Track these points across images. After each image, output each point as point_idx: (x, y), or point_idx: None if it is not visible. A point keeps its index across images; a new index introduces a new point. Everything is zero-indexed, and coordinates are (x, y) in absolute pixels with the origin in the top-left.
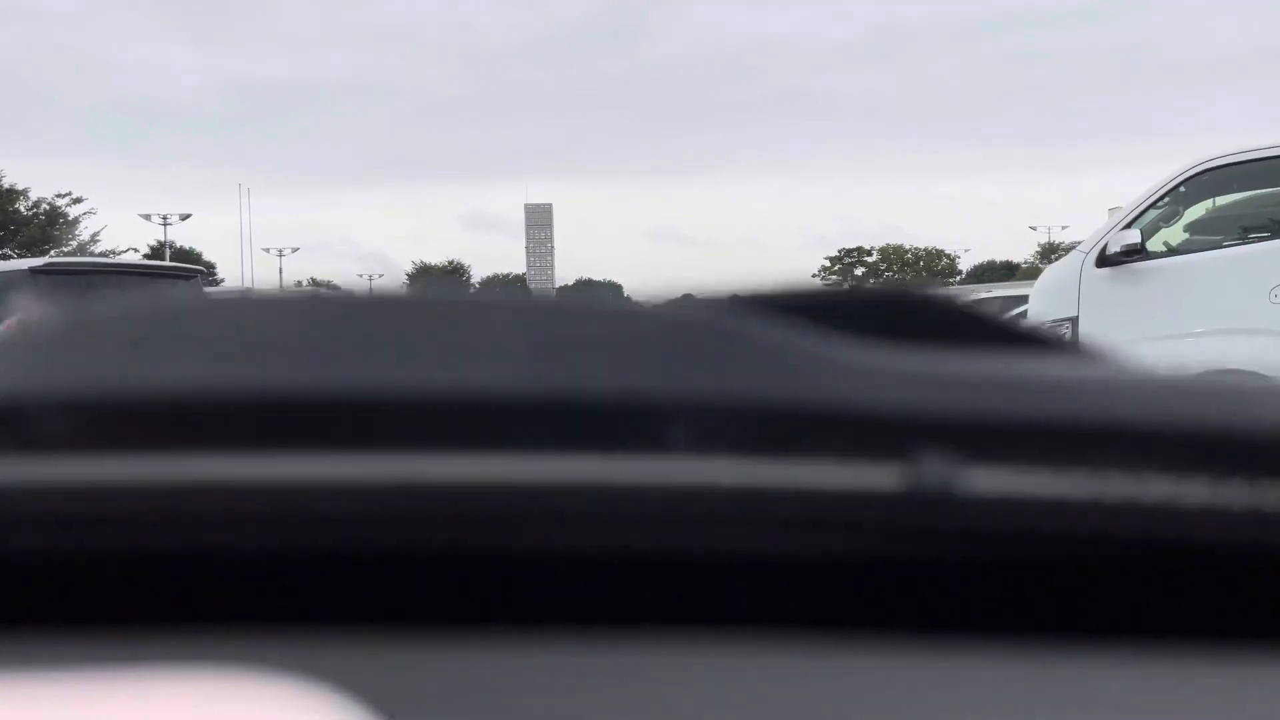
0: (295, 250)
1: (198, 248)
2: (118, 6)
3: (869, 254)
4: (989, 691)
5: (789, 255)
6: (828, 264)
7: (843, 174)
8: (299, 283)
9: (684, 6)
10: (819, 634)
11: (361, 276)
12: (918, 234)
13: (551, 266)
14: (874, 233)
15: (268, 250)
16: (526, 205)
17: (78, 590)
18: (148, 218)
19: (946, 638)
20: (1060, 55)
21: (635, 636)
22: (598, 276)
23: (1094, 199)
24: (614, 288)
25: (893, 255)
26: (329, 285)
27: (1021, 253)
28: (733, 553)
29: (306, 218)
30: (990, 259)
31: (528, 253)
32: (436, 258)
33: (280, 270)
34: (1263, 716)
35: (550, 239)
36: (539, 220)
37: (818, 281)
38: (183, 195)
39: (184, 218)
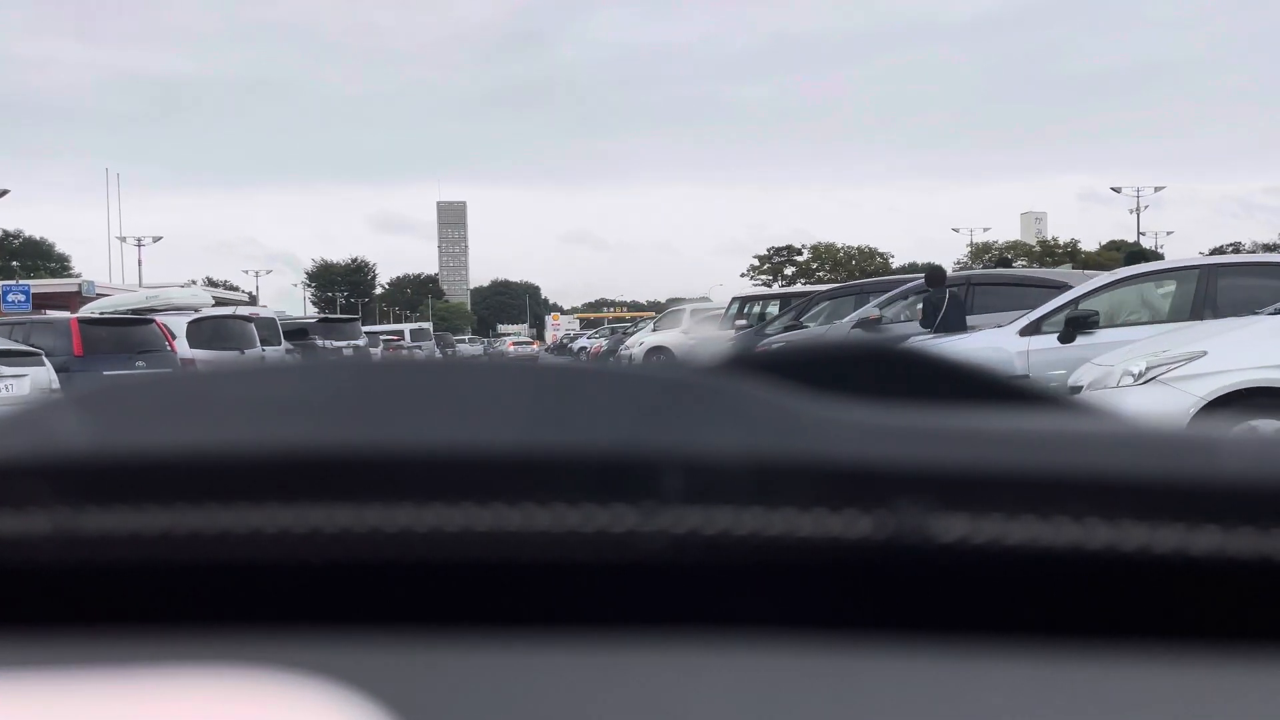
0: (157, 240)
1: (51, 239)
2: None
3: (799, 253)
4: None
5: (703, 259)
6: (756, 264)
7: (749, 181)
8: (193, 281)
9: (587, 14)
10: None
11: (248, 273)
12: (827, 239)
13: (466, 267)
14: (784, 237)
15: (123, 239)
16: (439, 203)
17: (79, 590)
18: None
19: (928, 685)
20: (954, 68)
21: (635, 640)
22: (513, 278)
23: (997, 204)
24: (530, 289)
25: (824, 254)
26: (225, 285)
27: (939, 254)
28: (723, 590)
29: (207, 216)
30: (912, 261)
31: (440, 252)
32: (341, 257)
33: (140, 262)
34: None
35: (464, 239)
36: (452, 219)
37: (746, 282)
38: (68, 191)
39: (0, 194)
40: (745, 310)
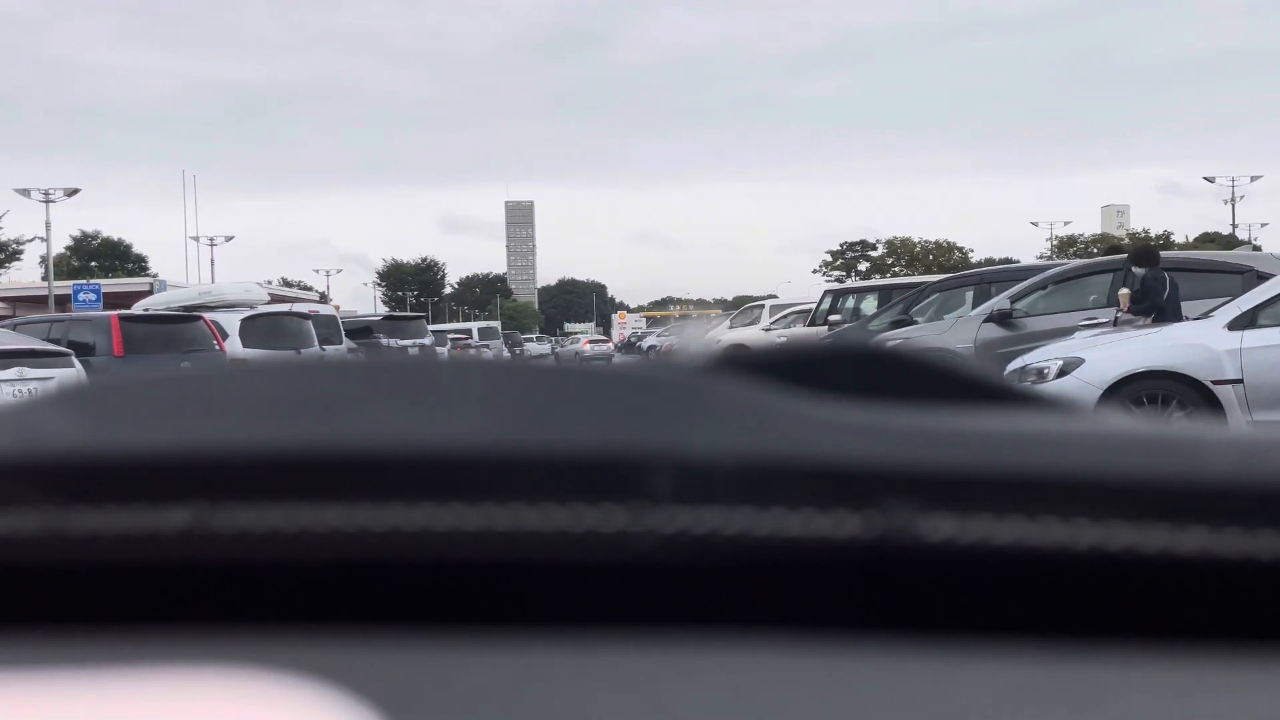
0: (229, 239)
1: (129, 240)
2: (85, 12)
3: (874, 248)
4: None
5: (768, 257)
6: (829, 259)
7: (813, 177)
8: (269, 281)
9: (645, 13)
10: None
11: (319, 273)
12: (895, 234)
13: (534, 266)
14: (851, 234)
15: (197, 239)
16: (507, 202)
17: (67, 591)
18: (26, 193)
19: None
20: (1020, 60)
21: (624, 640)
22: (580, 277)
23: (1073, 198)
24: (597, 288)
25: (900, 249)
26: (299, 284)
27: (1018, 249)
28: (713, 590)
29: (280, 218)
30: (989, 256)
31: (508, 251)
32: (411, 257)
33: (212, 261)
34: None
35: (532, 238)
36: (520, 219)
37: (819, 279)
38: (147, 194)
39: (70, 193)
40: (838, 305)
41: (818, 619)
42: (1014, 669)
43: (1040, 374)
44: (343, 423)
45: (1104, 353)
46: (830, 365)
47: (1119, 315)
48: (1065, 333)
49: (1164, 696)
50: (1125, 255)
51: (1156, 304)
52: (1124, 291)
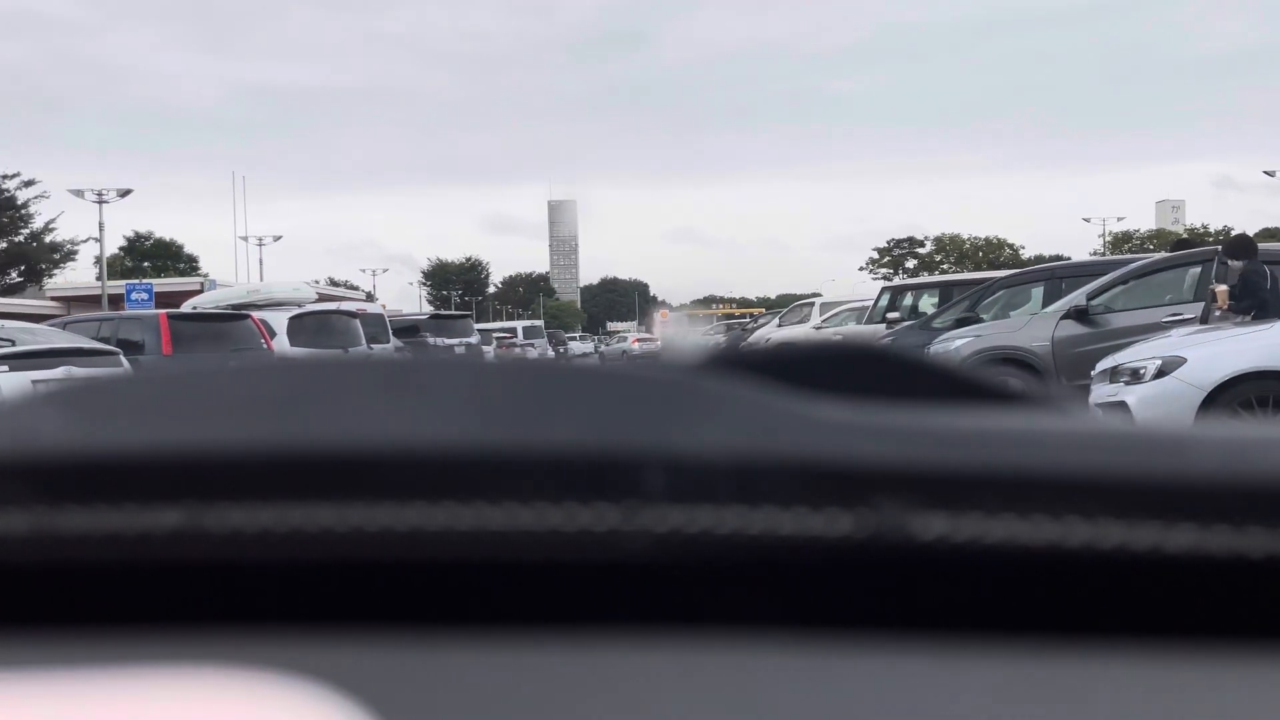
0: (277, 239)
1: (181, 240)
2: (135, 17)
3: (921, 245)
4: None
5: (811, 255)
6: (876, 256)
7: (857, 174)
8: (316, 281)
9: (683, 12)
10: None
11: (365, 272)
12: (940, 231)
13: (576, 265)
14: (895, 231)
15: (245, 239)
16: (550, 202)
17: (57, 591)
18: (79, 194)
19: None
20: (1063, 57)
21: (617, 639)
22: (622, 276)
23: (1125, 194)
24: (639, 286)
25: (949, 245)
26: (346, 284)
27: (1070, 246)
28: (706, 589)
29: (328, 220)
30: (1039, 253)
31: (551, 251)
32: (456, 256)
33: (260, 261)
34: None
35: (575, 237)
36: (563, 218)
37: (865, 276)
38: (198, 196)
39: (123, 193)
40: (896, 302)
41: (811, 618)
42: (1006, 667)
43: (1135, 374)
44: (335, 422)
45: (1207, 351)
46: (824, 365)
47: (1216, 312)
48: (1148, 330)
49: (1155, 694)
50: (1210, 247)
51: (1262, 299)
52: (1221, 288)
